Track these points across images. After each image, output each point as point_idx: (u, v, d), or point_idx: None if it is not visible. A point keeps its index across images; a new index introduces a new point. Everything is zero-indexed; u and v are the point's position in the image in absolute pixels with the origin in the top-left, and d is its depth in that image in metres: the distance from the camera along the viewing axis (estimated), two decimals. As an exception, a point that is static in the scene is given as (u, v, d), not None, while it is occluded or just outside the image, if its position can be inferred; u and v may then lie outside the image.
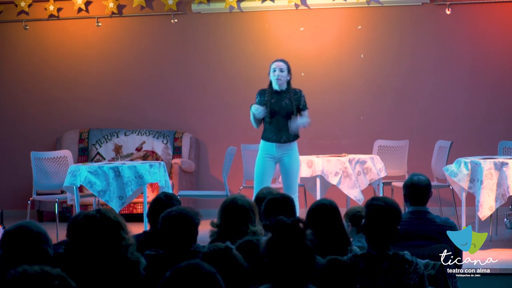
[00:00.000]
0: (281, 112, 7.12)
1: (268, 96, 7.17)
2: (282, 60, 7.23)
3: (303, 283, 2.83)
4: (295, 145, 7.22)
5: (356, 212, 4.95)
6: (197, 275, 2.40)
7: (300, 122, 7.11)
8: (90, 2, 10.08)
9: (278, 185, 8.06)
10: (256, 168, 7.25)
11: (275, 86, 7.16)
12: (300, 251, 2.82)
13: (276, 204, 4.61)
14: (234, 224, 4.27)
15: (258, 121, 7.20)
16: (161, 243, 3.90)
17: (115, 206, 7.36)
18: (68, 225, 4.18)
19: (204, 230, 4.21)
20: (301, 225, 2.86)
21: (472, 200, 7.73)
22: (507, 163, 7.21)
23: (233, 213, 4.29)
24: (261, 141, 7.26)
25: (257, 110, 7.09)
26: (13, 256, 3.37)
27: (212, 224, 4.33)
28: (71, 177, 7.52)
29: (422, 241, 4.63)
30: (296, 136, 7.19)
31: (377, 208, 3.79)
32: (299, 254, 2.81)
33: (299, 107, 7.17)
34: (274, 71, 7.16)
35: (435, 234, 4.64)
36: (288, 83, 7.21)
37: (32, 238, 3.41)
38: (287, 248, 2.81)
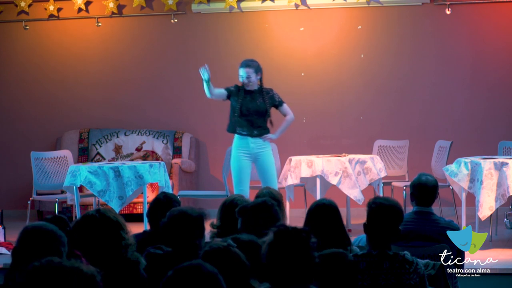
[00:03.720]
0: (253, 109, 7.35)
1: (242, 95, 7.37)
2: (248, 65, 7.35)
3: (303, 285, 2.83)
4: (267, 143, 7.43)
5: None
6: (198, 276, 2.39)
7: (279, 130, 7.49)
8: (90, 2, 10.08)
9: (278, 185, 8.05)
10: (233, 168, 7.40)
11: (246, 88, 7.38)
12: (302, 258, 2.81)
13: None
14: (233, 224, 4.27)
15: (208, 87, 7.29)
16: (164, 242, 3.90)
17: (115, 206, 7.36)
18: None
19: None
20: (304, 234, 2.86)
21: (472, 200, 7.72)
22: (507, 163, 7.21)
23: (232, 213, 4.29)
24: (235, 136, 7.41)
25: (203, 73, 7.24)
26: (31, 253, 3.35)
27: (212, 225, 4.33)
28: (71, 177, 7.52)
29: (425, 241, 4.63)
30: (267, 131, 7.40)
31: (379, 207, 3.79)
32: (300, 260, 2.81)
33: (275, 105, 7.44)
34: (242, 77, 7.35)
35: (438, 236, 4.64)
36: (261, 82, 7.43)
37: (53, 239, 3.40)
38: (289, 255, 2.81)
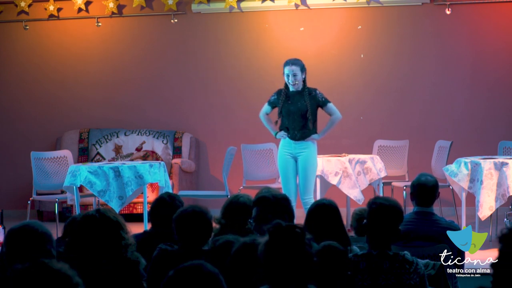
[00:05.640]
0: (297, 113, 7.19)
1: (284, 97, 7.22)
2: (294, 63, 7.17)
3: (302, 284, 2.83)
4: (310, 144, 7.26)
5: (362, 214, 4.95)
6: (199, 276, 2.39)
7: (324, 131, 7.29)
8: (90, 2, 10.08)
9: (277, 185, 8.05)
10: (279, 168, 7.35)
11: (291, 88, 7.22)
12: (298, 255, 2.82)
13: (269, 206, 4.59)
14: (235, 220, 4.31)
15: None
16: (177, 242, 3.92)
17: (115, 206, 7.36)
18: (65, 226, 4.18)
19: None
20: (298, 230, 2.86)
21: (472, 200, 7.73)
22: (507, 163, 7.21)
23: (235, 210, 4.34)
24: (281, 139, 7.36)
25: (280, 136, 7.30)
26: (16, 255, 3.36)
27: (215, 219, 4.38)
28: (71, 177, 7.52)
29: (425, 242, 4.63)
30: (311, 133, 7.24)
31: (379, 207, 3.79)
32: (297, 258, 2.82)
33: (319, 105, 7.25)
34: (288, 76, 7.16)
35: (439, 236, 4.64)
36: (304, 82, 7.25)
37: (36, 238, 3.40)
38: (285, 252, 2.81)
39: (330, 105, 7.29)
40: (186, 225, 3.87)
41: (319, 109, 7.32)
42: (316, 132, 7.28)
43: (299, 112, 7.18)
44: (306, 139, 7.23)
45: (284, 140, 7.26)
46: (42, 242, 3.40)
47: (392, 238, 3.78)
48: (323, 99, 7.26)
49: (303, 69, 7.18)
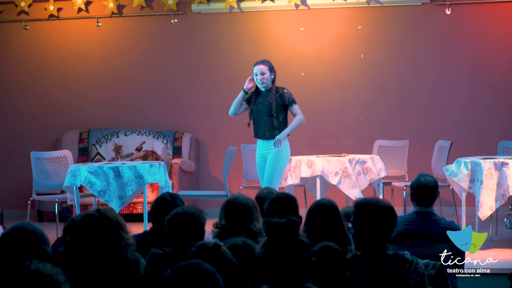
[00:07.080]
0: (263, 110, 7.34)
1: (254, 95, 7.46)
2: (262, 62, 7.40)
3: (301, 282, 2.83)
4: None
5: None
6: (196, 274, 2.39)
7: (286, 130, 7.31)
8: (90, 2, 10.08)
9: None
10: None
11: (260, 87, 7.40)
12: (295, 248, 2.83)
13: (278, 204, 4.62)
14: (236, 222, 4.29)
15: (237, 105, 7.48)
16: (168, 243, 3.91)
17: (115, 206, 7.36)
18: (64, 228, 4.17)
19: (207, 230, 4.22)
20: (294, 224, 2.87)
21: (472, 200, 7.73)
22: (507, 163, 7.21)
23: (235, 211, 4.32)
24: None
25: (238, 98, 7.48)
26: (12, 258, 3.36)
27: (214, 225, 4.36)
28: (71, 177, 7.52)
29: (425, 242, 4.63)
30: (281, 131, 7.32)
31: (360, 210, 3.75)
32: (295, 251, 2.82)
33: (285, 104, 7.37)
34: (256, 75, 7.36)
35: (439, 236, 4.63)
36: (273, 81, 7.41)
37: (29, 239, 3.40)
38: (282, 247, 2.82)
39: (296, 106, 7.41)
40: (176, 227, 3.86)
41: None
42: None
43: (265, 110, 7.33)
44: (279, 139, 7.31)
45: (258, 142, 7.41)
46: (36, 242, 3.40)
47: (381, 239, 3.72)
48: (290, 99, 7.39)
49: (271, 69, 7.38)
